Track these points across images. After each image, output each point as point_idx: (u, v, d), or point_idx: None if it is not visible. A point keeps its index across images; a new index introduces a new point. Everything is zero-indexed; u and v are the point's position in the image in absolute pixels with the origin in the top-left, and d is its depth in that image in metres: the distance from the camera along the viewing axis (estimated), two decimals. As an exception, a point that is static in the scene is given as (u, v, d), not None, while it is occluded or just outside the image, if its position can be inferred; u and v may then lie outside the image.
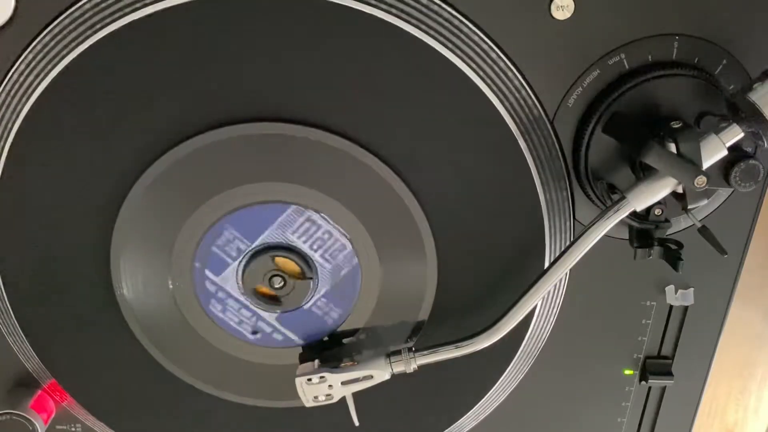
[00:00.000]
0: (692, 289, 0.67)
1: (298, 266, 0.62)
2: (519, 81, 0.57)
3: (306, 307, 0.64)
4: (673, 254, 0.60)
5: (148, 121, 0.57)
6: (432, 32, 0.55)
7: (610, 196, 0.58)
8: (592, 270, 0.65)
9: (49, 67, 0.55)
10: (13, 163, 0.58)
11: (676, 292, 0.67)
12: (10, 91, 0.56)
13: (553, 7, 0.55)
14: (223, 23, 0.54)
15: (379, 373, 0.61)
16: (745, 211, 0.64)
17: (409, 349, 0.61)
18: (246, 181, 0.59)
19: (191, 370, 0.68)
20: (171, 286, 0.63)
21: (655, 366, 0.71)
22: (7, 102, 0.56)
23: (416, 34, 0.55)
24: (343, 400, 0.63)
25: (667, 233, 0.61)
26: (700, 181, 0.52)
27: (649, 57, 0.57)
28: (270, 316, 0.65)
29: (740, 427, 0.83)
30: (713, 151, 0.53)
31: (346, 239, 0.62)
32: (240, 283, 0.63)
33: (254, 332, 0.65)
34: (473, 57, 0.56)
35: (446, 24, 0.55)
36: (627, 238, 0.62)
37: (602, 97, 0.57)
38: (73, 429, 0.73)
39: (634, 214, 0.57)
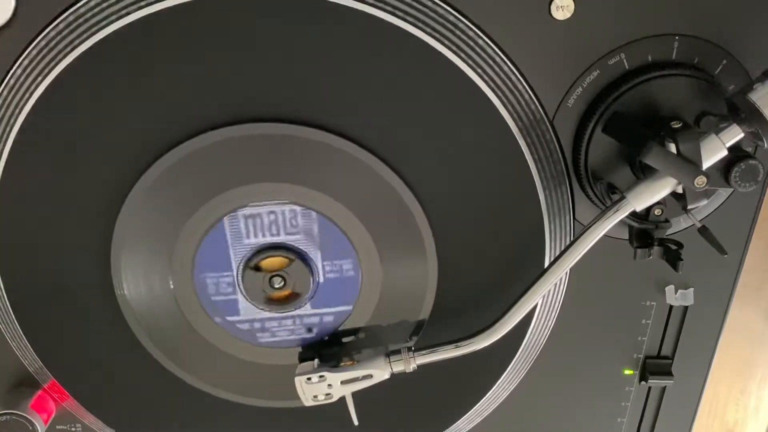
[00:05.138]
0: (692, 289, 0.67)
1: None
2: (519, 81, 0.57)
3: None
4: (673, 254, 0.60)
5: (148, 122, 0.57)
6: (432, 32, 0.55)
7: (610, 196, 0.58)
8: (592, 270, 0.65)
9: (49, 67, 0.55)
10: (14, 163, 0.58)
11: (676, 292, 0.67)
12: (10, 91, 0.56)
13: (553, 7, 0.55)
14: (223, 23, 0.54)
15: (379, 372, 0.61)
16: (745, 211, 0.64)
17: (409, 349, 0.61)
18: (246, 181, 0.59)
19: (192, 369, 0.68)
20: (172, 286, 0.63)
21: (655, 366, 0.71)
22: (7, 102, 0.56)
23: (417, 34, 0.55)
24: (342, 399, 0.63)
25: (667, 233, 0.61)
26: (700, 181, 0.52)
27: (649, 57, 0.57)
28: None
29: (740, 427, 0.83)
30: (713, 151, 0.53)
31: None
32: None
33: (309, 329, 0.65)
34: (474, 57, 0.56)
35: (447, 24, 0.55)
36: (627, 238, 0.62)
37: (602, 98, 0.57)
38: (73, 429, 0.73)
39: (634, 214, 0.57)
